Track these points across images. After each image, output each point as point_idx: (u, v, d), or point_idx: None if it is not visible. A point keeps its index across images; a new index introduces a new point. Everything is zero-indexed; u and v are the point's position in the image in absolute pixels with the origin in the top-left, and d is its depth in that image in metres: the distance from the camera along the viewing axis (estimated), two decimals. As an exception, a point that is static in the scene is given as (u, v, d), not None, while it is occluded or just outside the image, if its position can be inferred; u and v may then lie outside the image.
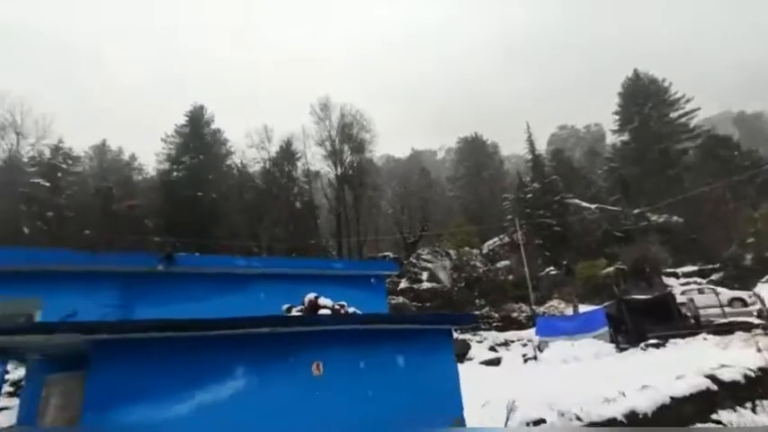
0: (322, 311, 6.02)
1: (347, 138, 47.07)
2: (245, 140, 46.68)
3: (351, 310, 6.48)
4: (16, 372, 11.88)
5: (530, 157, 54.35)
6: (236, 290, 7.34)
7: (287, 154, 46.78)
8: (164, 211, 38.14)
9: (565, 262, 35.89)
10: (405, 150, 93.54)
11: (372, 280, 8.36)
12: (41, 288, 5.71)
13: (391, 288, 27.78)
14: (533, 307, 27.04)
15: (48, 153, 38.49)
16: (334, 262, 11.13)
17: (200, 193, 39.25)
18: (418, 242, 41.91)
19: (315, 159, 47.90)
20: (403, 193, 49.60)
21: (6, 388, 10.90)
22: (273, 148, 46.74)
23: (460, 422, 5.48)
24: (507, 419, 7.30)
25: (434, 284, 30.74)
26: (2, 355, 7.51)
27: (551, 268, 34.35)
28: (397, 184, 54.52)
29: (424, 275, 32.57)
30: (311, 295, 6.25)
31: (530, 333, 21.93)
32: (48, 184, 35.21)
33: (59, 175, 37.27)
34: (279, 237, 39.84)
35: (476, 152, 66.28)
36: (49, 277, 5.84)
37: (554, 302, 28.80)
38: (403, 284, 30.72)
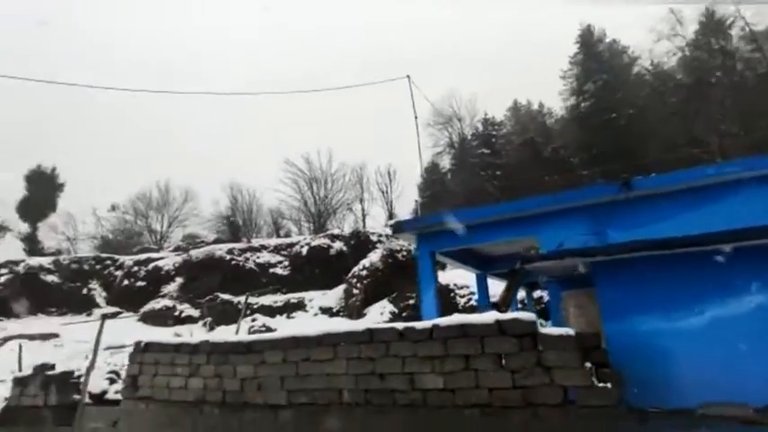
0: None
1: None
2: (650, 36, 39.69)
3: None
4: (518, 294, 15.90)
5: None
6: (707, 203, 6.61)
7: (711, 27, 36.10)
8: (583, 144, 38.74)
9: None
10: None
11: None
12: (532, 227, 7.37)
13: None
14: None
15: (480, 127, 47.77)
16: None
17: (613, 115, 37.12)
18: None
19: (759, 15, 34.29)
20: None
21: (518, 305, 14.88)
22: (690, 29, 37.35)
23: None
24: None
25: None
26: (514, 279, 10.31)
27: None
28: None
29: None
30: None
31: None
32: (488, 151, 43.85)
33: (493, 141, 45.56)
34: (730, 132, 31.54)
35: None
36: (535, 219, 7.43)
37: None
38: None
